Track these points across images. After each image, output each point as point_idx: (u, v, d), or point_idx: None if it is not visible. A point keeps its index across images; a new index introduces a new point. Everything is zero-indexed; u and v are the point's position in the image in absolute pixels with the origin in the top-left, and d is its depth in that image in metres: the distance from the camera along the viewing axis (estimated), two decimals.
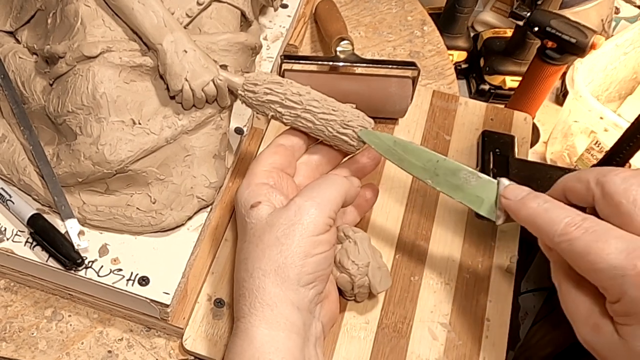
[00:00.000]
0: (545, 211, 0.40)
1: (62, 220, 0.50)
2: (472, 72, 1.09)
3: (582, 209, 0.41)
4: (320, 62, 0.68)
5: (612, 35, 0.95)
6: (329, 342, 0.51)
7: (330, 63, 0.68)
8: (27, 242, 0.51)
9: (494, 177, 0.46)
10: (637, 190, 0.37)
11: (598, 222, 0.38)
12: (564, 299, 0.41)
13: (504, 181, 0.45)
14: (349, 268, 0.49)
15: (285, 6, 0.73)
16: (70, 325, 0.53)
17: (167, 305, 0.49)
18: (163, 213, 0.51)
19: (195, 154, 0.52)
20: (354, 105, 0.51)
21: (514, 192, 0.44)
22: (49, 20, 0.55)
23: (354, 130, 0.50)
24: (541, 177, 0.59)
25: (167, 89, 0.51)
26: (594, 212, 0.40)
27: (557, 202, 0.41)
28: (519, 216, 0.42)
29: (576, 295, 0.40)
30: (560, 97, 1.02)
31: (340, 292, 0.52)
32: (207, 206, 0.54)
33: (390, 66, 0.64)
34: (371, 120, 0.51)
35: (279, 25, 0.71)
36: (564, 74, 0.88)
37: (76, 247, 0.49)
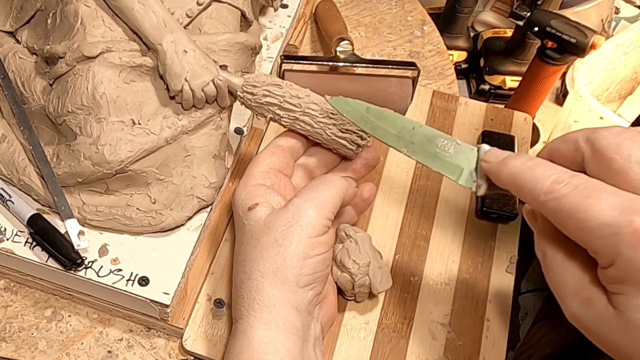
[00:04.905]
0: (529, 169, 0.36)
1: (62, 221, 0.50)
2: (472, 72, 1.09)
3: None
4: (320, 62, 0.68)
5: (612, 35, 0.95)
6: (328, 342, 0.51)
7: (330, 63, 0.68)
8: (27, 242, 0.51)
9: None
10: (631, 144, 0.33)
11: (589, 179, 0.33)
12: (550, 271, 0.36)
13: (485, 146, 0.41)
14: (350, 267, 0.49)
15: (285, 6, 0.73)
16: (70, 325, 0.53)
17: (167, 306, 0.49)
18: (163, 213, 0.51)
19: (195, 154, 0.52)
20: None
21: (495, 154, 0.40)
22: (49, 21, 0.55)
23: (331, 104, 0.47)
24: None
25: (167, 89, 0.51)
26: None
27: (542, 159, 0.37)
28: (500, 178, 0.38)
29: (564, 265, 0.35)
30: (560, 97, 1.02)
31: (340, 292, 0.52)
32: (207, 206, 0.54)
33: (390, 66, 0.64)
34: None
35: (279, 25, 0.71)
36: (564, 74, 0.88)
37: (76, 247, 0.49)
